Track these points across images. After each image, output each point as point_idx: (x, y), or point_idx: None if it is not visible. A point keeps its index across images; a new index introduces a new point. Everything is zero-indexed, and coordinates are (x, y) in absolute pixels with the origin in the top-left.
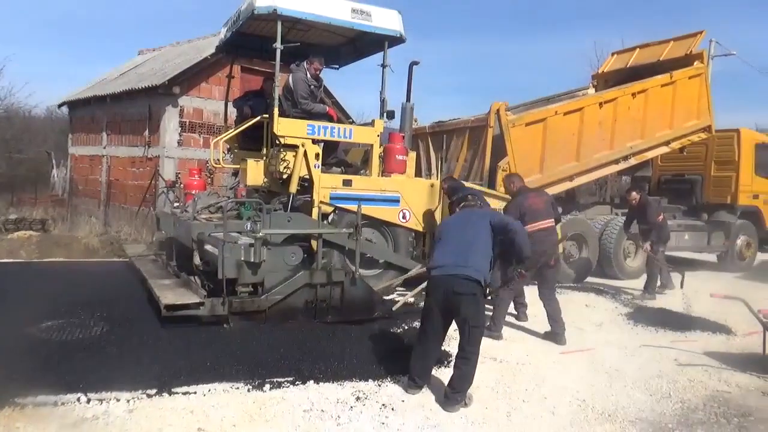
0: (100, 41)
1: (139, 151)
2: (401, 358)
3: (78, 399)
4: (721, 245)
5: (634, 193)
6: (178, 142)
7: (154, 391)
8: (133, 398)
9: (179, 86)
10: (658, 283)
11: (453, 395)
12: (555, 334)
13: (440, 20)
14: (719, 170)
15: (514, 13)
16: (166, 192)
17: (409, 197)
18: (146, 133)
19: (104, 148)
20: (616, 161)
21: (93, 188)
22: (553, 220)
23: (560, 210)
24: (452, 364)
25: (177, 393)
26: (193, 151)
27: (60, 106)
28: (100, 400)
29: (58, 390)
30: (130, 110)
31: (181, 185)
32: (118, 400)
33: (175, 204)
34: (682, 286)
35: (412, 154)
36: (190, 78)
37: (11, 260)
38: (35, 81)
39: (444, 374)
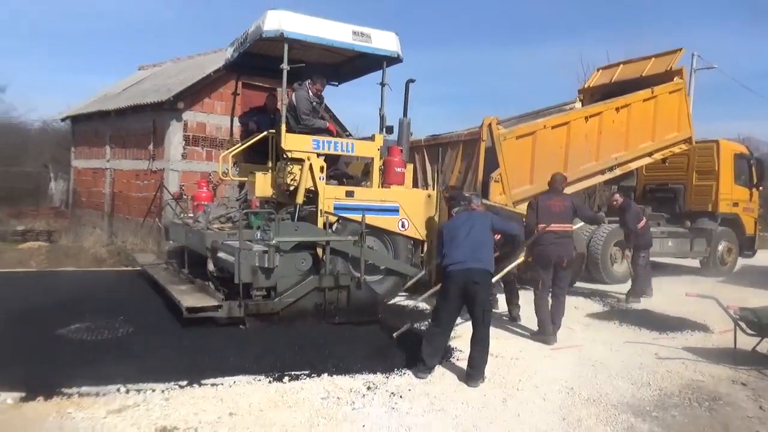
0: (96, 54)
1: (144, 164)
2: (404, 354)
3: (118, 389)
4: (704, 251)
5: (617, 195)
6: (182, 156)
7: (185, 382)
8: (167, 389)
9: (183, 101)
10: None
11: (475, 373)
12: (548, 332)
13: (431, 33)
14: (700, 179)
15: (503, 27)
16: (174, 204)
17: (407, 207)
18: (151, 146)
19: (108, 161)
20: (602, 172)
21: (96, 200)
22: (570, 225)
23: (600, 213)
24: (453, 357)
25: (206, 384)
26: (197, 164)
27: (63, 120)
28: (138, 390)
29: (98, 382)
30: (135, 125)
31: (188, 197)
32: (153, 391)
33: (182, 215)
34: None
35: (410, 166)
36: (194, 93)
37: (23, 269)
38: (31, 93)
39: (446, 366)
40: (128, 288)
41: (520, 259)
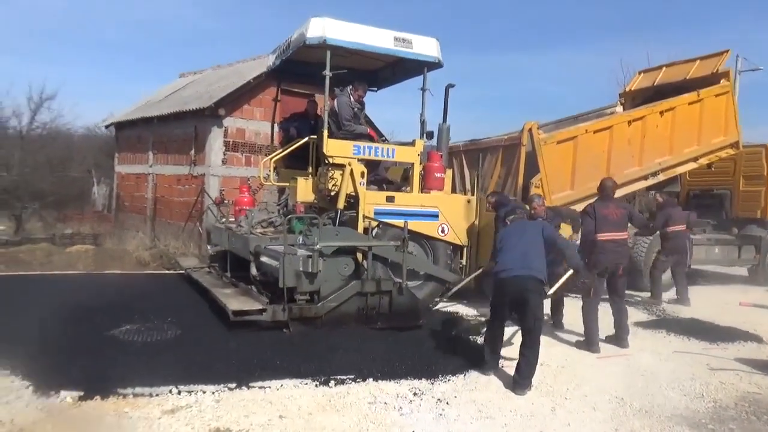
0: (138, 62)
1: (185, 169)
2: (448, 361)
3: (170, 390)
4: (752, 259)
5: (658, 195)
6: (222, 161)
7: (234, 385)
8: (217, 390)
9: (224, 108)
10: (673, 296)
11: (522, 381)
12: (620, 338)
13: (469, 36)
14: (748, 185)
15: (540, 30)
16: (215, 208)
17: (447, 212)
18: (192, 152)
19: (150, 166)
20: (645, 177)
21: (139, 204)
22: (626, 233)
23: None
24: (499, 364)
25: (254, 387)
26: (236, 169)
27: (107, 126)
28: (189, 392)
29: (151, 383)
30: (176, 131)
31: (230, 202)
32: (204, 392)
33: (223, 219)
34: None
35: (449, 172)
36: (234, 100)
37: (72, 272)
38: (75, 100)
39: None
40: (173, 291)
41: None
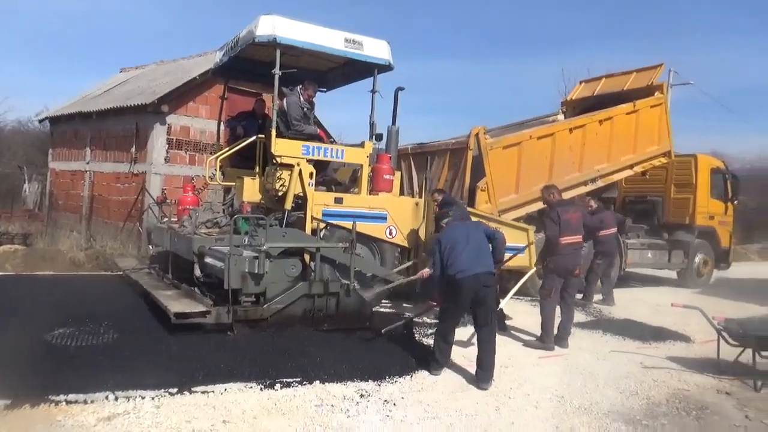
0: (76, 56)
1: (125, 167)
2: (395, 362)
3: (106, 397)
4: (681, 263)
5: (592, 201)
6: (165, 159)
7: (175, 390)
8: (157, 396)
9: (167, 105)
10: (599, 297)
11: (486, 373)
12: (561, 339)
13: (419, 43)
14: (678, 192)
15: (488, 39)
16: (157, 208)
17: (395, 214)
18: (133, 149)
19: (87, 163)
20: (585, 183)
21: (74, 203)
22: (581, 236)
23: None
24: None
25: (196, 392)
26: (180, 167)
27: (41, 121)
28: (127, 398)
29: (86, 389)
30: (116, 127)
31: (172, 201)
32: (143, 398)
33: (165, 219)
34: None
35: (398, 174)
36: (178, 97)
37: (0, 273)
38: (5, 93)
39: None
40: (110, 293)
41: (533, 270)
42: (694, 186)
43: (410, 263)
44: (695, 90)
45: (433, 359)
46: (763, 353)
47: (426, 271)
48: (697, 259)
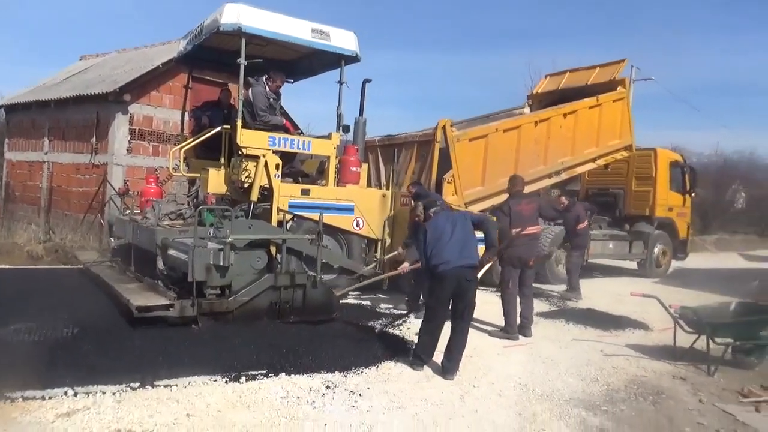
0: (34, 43)
1: (85, 158)
2: (362, 353)
3: (65, 393)
4: (641, 253)
5: (563, 198)
6: (128, 150)
7: (137, 384)
8: (118, 391)
9: (129, 94)
10: (565, 288)
11: (451, 364)
12: (524, 328)
13: (386, 36)
14: (639, 185)
15: (456, 32)
16: (119, 199)
17: (362, 206)
18: (93, 139)
19: (46, 153)
20: (549, 176)
21: (32, 194)
22: (539, 227)
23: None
24: (409, 356)
25: (159, 386)
26: (143, 158)
27: None
28: (87, 393)
29: (43, 385)
30: (76, 116)
31: (135, 193)
32: (104, 393)
33: (127, 211)
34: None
35: (365, 166)
36: (141, 86)
37: None
38: None
39: (404, 365)
40: (70, 287)
41: (491, 262)
42: (654, 179)
43: (381, 257)
44: (656, 86)
45: (415, 355)
46: (717, 339)
47: (406, 266)
48: (656, 250)
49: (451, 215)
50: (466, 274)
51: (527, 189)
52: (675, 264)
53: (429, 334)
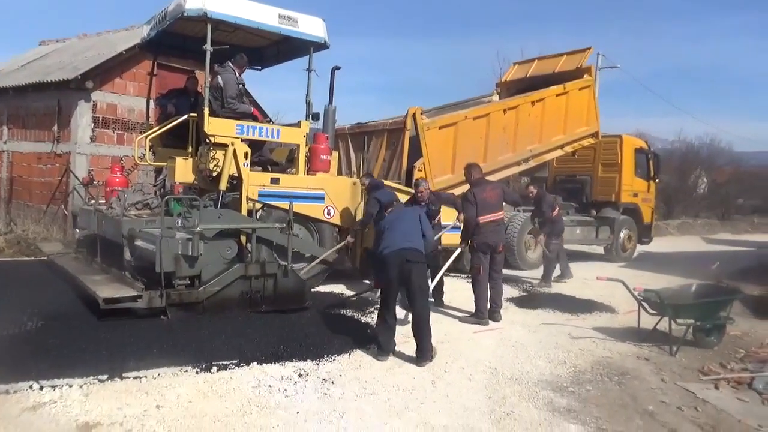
0: None
1: (47, 146)
2: (334, 341)
3: (30, 386)
4: (607, 238)
5: (531, 187)
6: (91, 138)
7: (105, 376)
8: (85, 383)
9: (92, 81)
10: (557, 273)
11: (420, 353)
12: (494, 313)
13: (355, 22)
14: (605, 172)
15: (425, 19)
16: (83, 189)
17: (333, 194)
18: (55, 128)
19: (5, 143)
20: (518, 163)
21: None
22: (503, 212)
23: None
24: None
25: (128, 377)
26: (107, 147)
27: None
28: (53, 387)
29: (7, 379)
30: (36, 104)
31: (99, 182)
32: (71, 386)
33: (92, 201)
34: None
35: (335, 154)
36: (103, 72)
37: None
38: None
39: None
40: (33, 279)
41: (458, 250)
42: (619, 165)
43: (343, 243)
44: (622, 73)
45: (378, 345)
46: (679, 320)
47: (350, 239)
48: (622, 235)
49: (405, 211)
50: (406, 255)
51: (498, 176)
52: (640, 248)
53: (383, 320)
